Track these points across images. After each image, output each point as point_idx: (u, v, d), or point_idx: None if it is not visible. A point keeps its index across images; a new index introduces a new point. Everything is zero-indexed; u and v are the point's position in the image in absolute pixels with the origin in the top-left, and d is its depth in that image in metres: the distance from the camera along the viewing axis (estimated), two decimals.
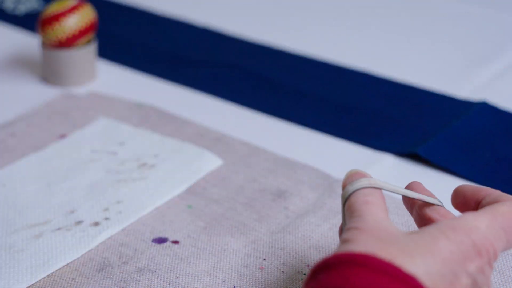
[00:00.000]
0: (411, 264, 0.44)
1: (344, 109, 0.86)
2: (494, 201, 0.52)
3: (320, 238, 0.65)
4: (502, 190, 0.71)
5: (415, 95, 0.89)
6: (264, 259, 0.63)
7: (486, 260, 0.47)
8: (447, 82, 0.91)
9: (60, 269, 0.62)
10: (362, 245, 0.45)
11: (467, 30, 1.06)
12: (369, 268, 0.43)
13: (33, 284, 0.60)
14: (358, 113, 0.85)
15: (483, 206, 0.52)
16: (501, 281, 0.60)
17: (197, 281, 0.61)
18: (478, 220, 0.48)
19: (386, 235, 0.46)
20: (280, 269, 0.62)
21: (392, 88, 0.90)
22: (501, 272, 0.61)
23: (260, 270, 0.62)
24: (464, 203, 0.54)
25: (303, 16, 1.11)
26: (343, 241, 0.47)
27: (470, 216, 0.49)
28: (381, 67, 0.95)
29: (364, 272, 0.43)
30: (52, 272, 0.62)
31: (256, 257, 0.63)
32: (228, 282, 0.60)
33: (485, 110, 0.83)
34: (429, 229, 0.47)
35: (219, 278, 0.61)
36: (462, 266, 0.46)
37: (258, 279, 0.61)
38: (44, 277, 0.61)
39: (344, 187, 0.52)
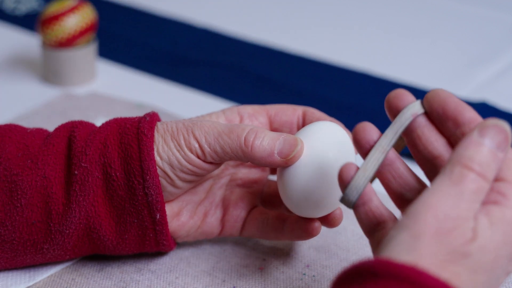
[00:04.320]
0: (473, 283, 0.43)
1: (344, 109, 0.86)
2: None
3: (319, 238, 0.65)
4: None
5: (415, 95, 0.88)
6: (264, 259, 0.63)
7: None
8: (447, 82, 0.91)
9: (60, 268, 0.62)
10: (422, 256, 0.42)
11: (467, 30, 1.06)
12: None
13: (32, 284, 0.60)
14: (358, 113, 0.85)
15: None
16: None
17: (197, 281, 0.61)
18: None
19: (454, 242, 0.43)
20: (280, 269, 0.62)
21: (392, 88, 0.90)
22: None
23: (260, 270, 0.62)
24: (441, 117, 0.50)
25: (303, 16, 1.11)
26: (413, 236, 0.42)
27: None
28: (381, 67, 0.94)
29: None
30: (52, 272, 0.62)
31: (256, 257, 0.63)
32: (228, 282, 0.60)
33: (485, 110, 0.83)
34: (488, 234, 0.44)
35: (219, 278, 0.61)
36: (506, 268, 0.45)
37: (258, 279, 0.61)
38: (44, 277, 0.61)
39: (393, 108, 0.51)
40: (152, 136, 0.57)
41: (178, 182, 0.58)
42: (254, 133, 0.56)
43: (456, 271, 0.42)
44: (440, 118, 0.50)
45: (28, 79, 0.92)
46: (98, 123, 0.81)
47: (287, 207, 0.59)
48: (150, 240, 0.59)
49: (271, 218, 0.61)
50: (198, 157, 0.57)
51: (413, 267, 0.41)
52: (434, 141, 0.50)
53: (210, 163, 0.58)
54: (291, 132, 0.62)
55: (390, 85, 0.91)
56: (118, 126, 0.59)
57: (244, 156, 0.57)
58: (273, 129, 0.62)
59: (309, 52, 0.99)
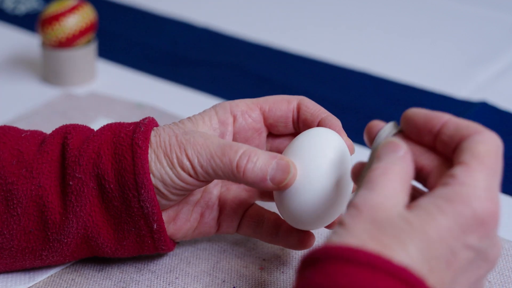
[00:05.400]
0: (404, 252, 0.42)
1: (344, 109, 0.86)
2: (458, 136, 0.48)
3: (319, 238, 0.65)
4: (503, 190, 0.71)
5: (415, 95, 0.89)
6: (264, 259, 0.63)
7: (492, 225, 0.45)
8: (447, 82, 0.91)
9: (59, 269, 0.62)
10: (354, 233, 0.43)
11: (467, 30, 1.06)
12: (356, 263, 0.41)
13: (32, 285, 0.60)
14: (358, 113, 0.85)
15: (444, 142, 0.48)
16: (501, 281, 0.60)
17: (197, 281, 0.61)
18: (474, 179, 0.45)
19: (384, 217, 0.44)
20: (279, 269, 0.62)
21: (392, 88, 0.90)
22: (500, 273, 0.61)
23: (260, 270, 0.62)
24: (417, 133, 0.50)
25: (303, 16, 1.11)
26: (340, 224, 0.44)
27: (464, 177, 0.45)
28: (381, 67, 0.95)
29: (350, 268, 0.41)
30: (52, 273, 0.62)
31: (256, 257, 0.63)
32: (228, 282, 0.60)
33: (485, 110, 0.83)
34: (426, 204, 0.45)
35: (219, 278, 0.61)
36: (461, 240, 0.44)
37: (258, 279, 0.61)
38: (43, 278, 0.61)
39: (371, 134, 0.52)
40: (147, 147, 0.57)
41: (172, 196, 0.58)
42: (246, 156, 0.56)
43: (382, 240, 0.43)
44: (416, 134, 0.51)
45: (28, 79, 0.92)
46: (98, 123, 0.81)
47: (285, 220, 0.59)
48: (148, 245, 0.59)
49: (266, 222, 0.61)
50: (191, 176, 0.56)
51: (346, 245, 0.42)
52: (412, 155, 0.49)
53: (203, 181, 0.57)
54: (286, 126, 0.62)
55: (390, 85, 0.91)
56: (112, 134, 0.58)
57: (236, 180, 0.56)
58: (268, 124, 0.62)
59: (309, 52, 0.99)
